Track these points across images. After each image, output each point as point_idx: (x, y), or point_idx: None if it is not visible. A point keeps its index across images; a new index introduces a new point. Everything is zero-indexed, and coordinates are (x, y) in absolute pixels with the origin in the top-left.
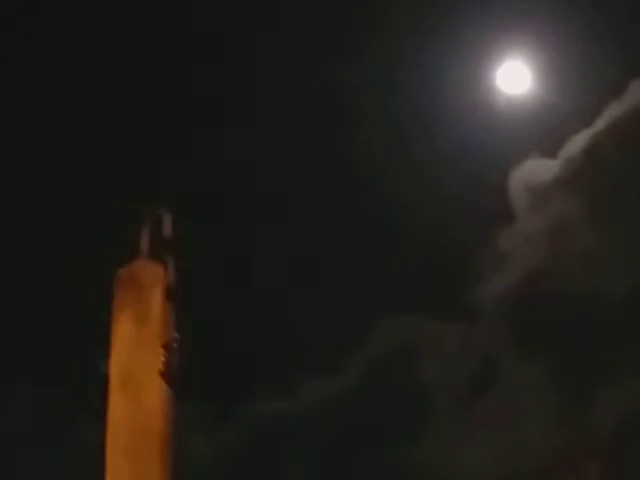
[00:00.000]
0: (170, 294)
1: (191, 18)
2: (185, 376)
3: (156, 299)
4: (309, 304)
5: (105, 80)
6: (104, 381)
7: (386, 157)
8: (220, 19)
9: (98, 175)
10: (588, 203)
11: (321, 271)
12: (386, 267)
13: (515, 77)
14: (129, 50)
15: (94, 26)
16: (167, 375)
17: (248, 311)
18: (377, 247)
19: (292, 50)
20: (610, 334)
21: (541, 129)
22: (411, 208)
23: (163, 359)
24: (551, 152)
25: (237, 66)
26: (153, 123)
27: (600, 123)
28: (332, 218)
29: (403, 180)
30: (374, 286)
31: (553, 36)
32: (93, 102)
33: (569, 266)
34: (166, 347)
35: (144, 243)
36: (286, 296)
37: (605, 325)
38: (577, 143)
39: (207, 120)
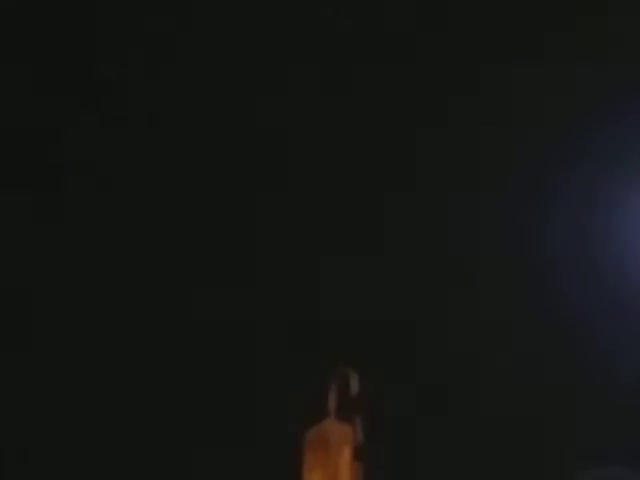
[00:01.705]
0: (358, 454)
1: None
2: None
3: (345, 460)
4: None
5: None
6: None
7: (588, 304)
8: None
9: (281, 335)
10: None
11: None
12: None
13: None
14: None
15: None
16: None
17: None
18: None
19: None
20: None
21: None
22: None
23: None
24: None
25: None
26: None
27: None
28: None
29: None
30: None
31: None
32: None
33: None
34: None
35: (331, 403)
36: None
37: None
38: None
39: None
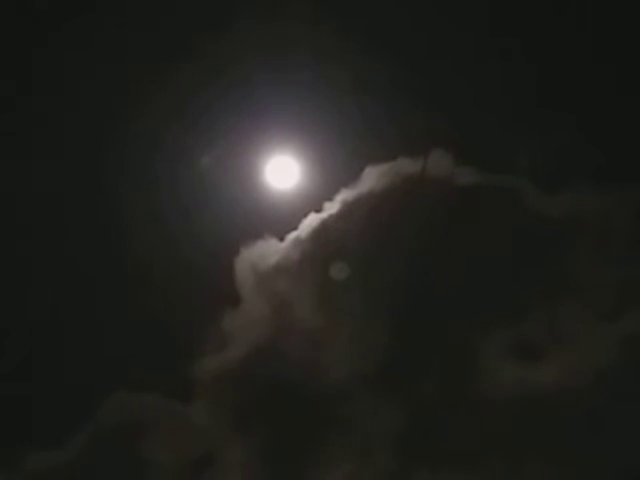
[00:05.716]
0: None
1: None
2: None
3: None
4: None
5: None
6: None
7: (133, 224)
8: None
9: None
10: (314, 285)
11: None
12: (112, 340)
13: (276, 166)
14: None
15: None
16: None
17: None
18: (104, 317)
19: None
20: (327, 415)
21: (275, 213)
22: (147, 277)
23: None
24: (282, 235)
25: None
26: None
27: (332, 207)
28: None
29: (147, 245)
30: (101, 361)
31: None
32: None
33: (291, 345)
34: None
35: None
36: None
37: (326, 404)
38: (307, 226)
39: None
